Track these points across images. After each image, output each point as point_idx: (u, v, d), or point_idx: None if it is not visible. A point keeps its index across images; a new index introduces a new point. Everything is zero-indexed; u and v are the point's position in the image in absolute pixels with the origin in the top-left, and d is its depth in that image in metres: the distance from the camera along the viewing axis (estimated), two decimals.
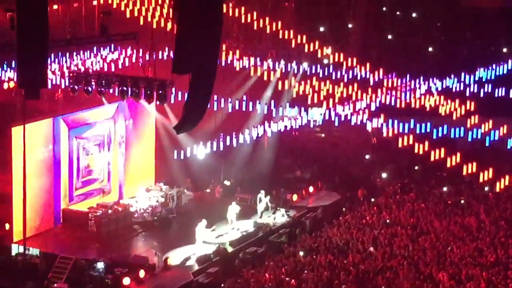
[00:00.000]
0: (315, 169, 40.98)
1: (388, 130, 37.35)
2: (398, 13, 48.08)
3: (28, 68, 19.43)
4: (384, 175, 39.58)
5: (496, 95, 42.21)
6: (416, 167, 39.99)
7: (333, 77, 41.05)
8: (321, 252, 29.80)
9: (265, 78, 39.93)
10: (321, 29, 45.60)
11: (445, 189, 37.01)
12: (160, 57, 35.36)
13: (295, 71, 41.96)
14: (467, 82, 42.21)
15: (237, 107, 37.75)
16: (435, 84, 41.62)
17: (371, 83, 41.21)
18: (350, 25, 46.90)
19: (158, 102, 28.86)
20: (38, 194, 31.79)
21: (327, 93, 39.90)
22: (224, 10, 33.97)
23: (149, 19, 36.75)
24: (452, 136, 37.33)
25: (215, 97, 35.46)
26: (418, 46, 48.06)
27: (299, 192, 37.43)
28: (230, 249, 31.38)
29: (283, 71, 41.10)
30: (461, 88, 42.03)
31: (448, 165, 34.94)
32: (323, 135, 44.73)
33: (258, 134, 37.37)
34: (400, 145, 36.33)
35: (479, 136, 37.13)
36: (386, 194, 36.85)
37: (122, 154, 35.66)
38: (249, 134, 36.45)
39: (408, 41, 47.97)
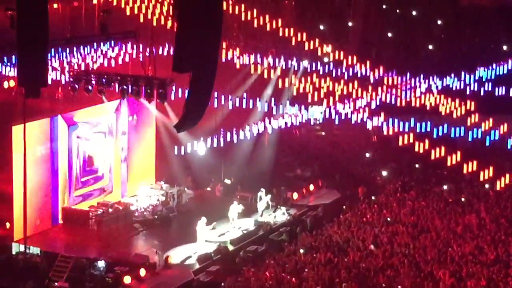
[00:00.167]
0: (316, 167, 40.97)
1: (389, 129, 37.35)
2: (398, 11, 48.03)
3: (28, 66, 19.40)
4: (384, 173, 39.57)
5: (496, 94, 42.21)
6: (417, 165, 39.96)
7: (333, 75, 41.01)
8: (321, 250, 29.79)
9: (265, 76, 39.92)
10: (321, 27, 45.54)
11: (445, 187, 37.00)
12: (160, 54, 35.32)
13: (295, 68, 41.93)
14: (467, 81, 42.20)
15: (237, 105, 37.73)
16: (435, 83, 41.61)
17: (371, 80, 41.19)
18: (350, 23, 46.86)
19: (158, 100, 28.87)
20: (39, 193, 31.80)
21: (327, 90, 39.90)
22: (224, 8, 33.96)
23: (149, 16, 36.72)
24: (452, 135, 37.31)
25: (216, 94, 35.46)
26: (418, 44, 48.01)
27: (299, 190, 37.44)
28: (230, 248, 31.40)
29: (283, 68, 41.06)
30: (461, 87, 42.03)
31: (449, 163, 34.94)
32: (323, 133, 44.72)
33: (258, 130, 37.39)
34: (400, 143, 36.34)
35: (479, 136, 37.12)
36: (387, 192, 36.83)
37: (122, 149, 35.60)
38: (249, 130, 36.44)
39: (408, 39, 47.91)
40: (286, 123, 38.71)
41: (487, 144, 37.45)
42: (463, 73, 42.40)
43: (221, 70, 19.38)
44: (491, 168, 34.15)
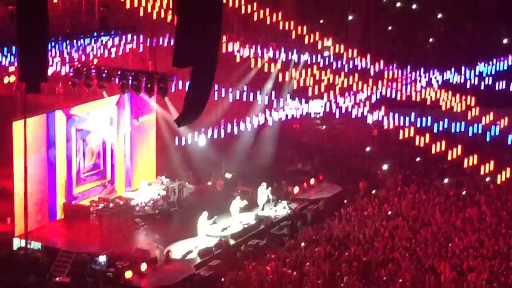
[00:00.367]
0: (316, 161, 40.95)
1: (389, 123, 37.32)
2: (398, 4, 47.95)
3: (28, 61, 19.39)
4: (385, 167, 39.54)
5: (496, 88, 42.16)
6: (418, 159, 39.95)
7: (334, 67, 40.94)
8: (322, 244, 29.79)
9: (266, 69, 39.87)
10: (321, 20, 45.46)
11: (446, 180, 36.99)
12: (160, 49, 35.26)
13: (296, 61, 41.85)
14: (467, 76, 42.15)
15: (237, 98, 37.70)
16: (435, 77, 41.55)
17: (372, 73, 41.14)
18: (350, 17, 46.78)
19: (159, 95, 28.84)
20: (40, 188, 31.77)
21: (328, 83, 39.83)
22: (224, 1, 33.88)
23: (149, 10, 36.64)
24: (453, 131, 37.27)
25: (216, 87, 35.42)
26: (419, 38, 47.94)
27: (300, 184, 37.40)
28: (231, 242, 31.40)
29: (284, 60, 40.99)
30: (462, 81, 41.97)
31: (449, 158, 34.92)
32: (324, 127, 44.69)
33: (259, 122, 37.37)
34: (401, 137, 36.31)
35: (479, 131, 37.10)
36: (387, 186, 36.81)
37: (123, 142, 35.58)
38: (250, 122, 36.41)
39: (409, 33, 47.83)
40: (286, 115, 38.66)
41: (488, 138, 37.41)
42: (463, 68, 42.34)
43: (221, 63, 19.33)
44: (491, 162, 34.14)
